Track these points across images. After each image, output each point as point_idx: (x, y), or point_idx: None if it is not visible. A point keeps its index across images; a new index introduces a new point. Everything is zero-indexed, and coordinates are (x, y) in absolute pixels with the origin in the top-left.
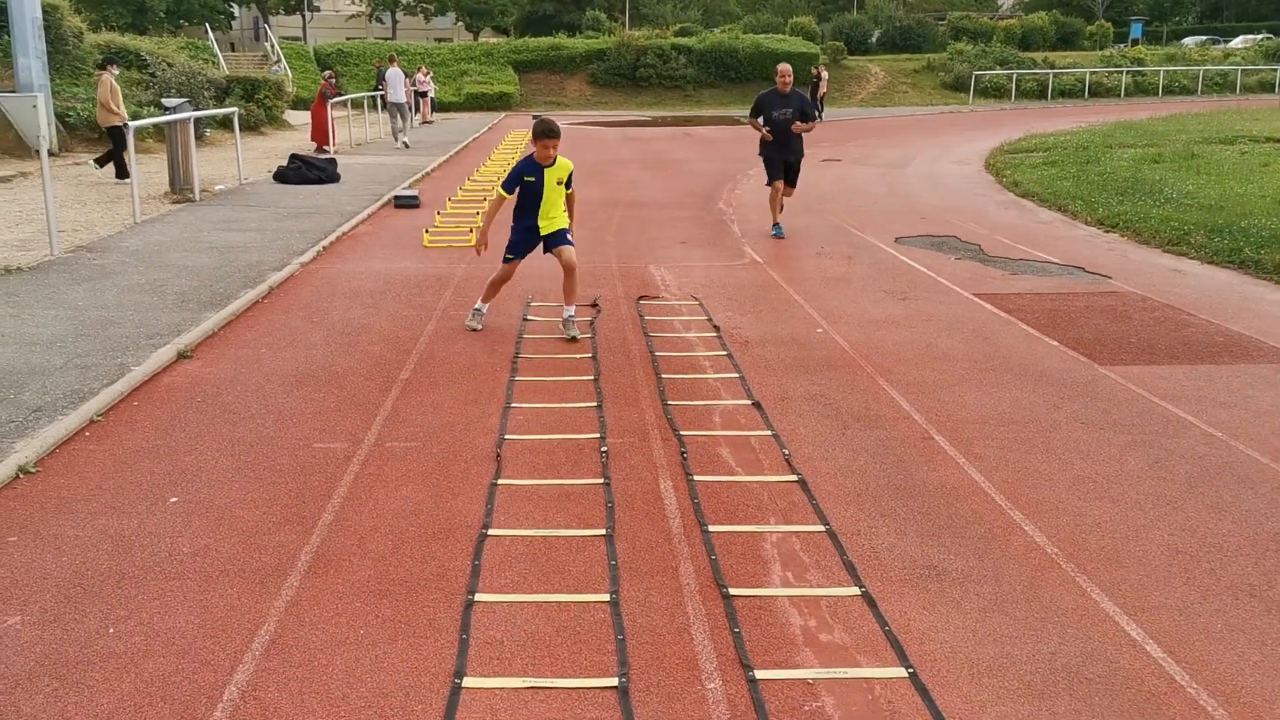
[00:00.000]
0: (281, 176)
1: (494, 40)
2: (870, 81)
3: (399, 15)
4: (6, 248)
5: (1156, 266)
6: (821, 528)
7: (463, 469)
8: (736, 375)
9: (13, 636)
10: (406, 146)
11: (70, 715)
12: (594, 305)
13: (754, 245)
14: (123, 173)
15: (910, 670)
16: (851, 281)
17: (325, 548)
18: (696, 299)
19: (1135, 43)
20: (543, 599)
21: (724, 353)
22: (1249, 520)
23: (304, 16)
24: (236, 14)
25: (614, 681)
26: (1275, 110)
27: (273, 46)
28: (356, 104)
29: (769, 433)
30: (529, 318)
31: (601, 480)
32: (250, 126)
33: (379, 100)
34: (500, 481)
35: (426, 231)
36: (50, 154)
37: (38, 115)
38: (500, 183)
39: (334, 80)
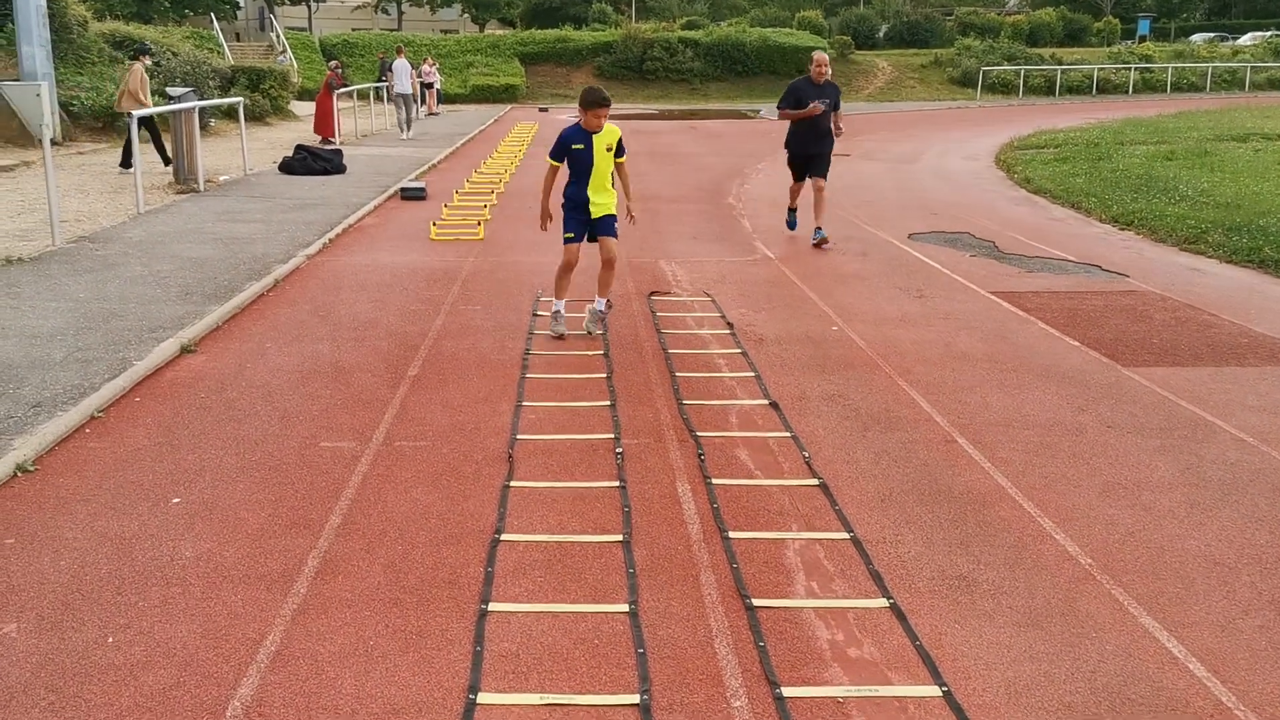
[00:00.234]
0: (287, 167)
1: (500, 32)
2: (878, 76)
3: (405, 6)
4: (8, 238)
5: (1174, 265)
6: (845, 535)
7: (474, 470)
8: (752, 374)
9: (8, 646)
10: (409, 138)
11: None
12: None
13: (765, 240)
14: (127, 162)
15: (944, 689)
16: (866, 278)
17: (333, 552)
18: (709, 295)
19: (1143, 39)
20: (559, 609)
21: (738, 350)
22: None
23: (309, 7)
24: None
25: (635, 699)
26: None
27: (278, 37)
28: (362, 95)
29: (788, 434)
30: (539, 313)
31: (617, 483)
32: (255, 117)
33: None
34: (513, 483)
35: (434, 224)
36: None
37: (41, 104)
38: (548, 153)
39: (340, 71)
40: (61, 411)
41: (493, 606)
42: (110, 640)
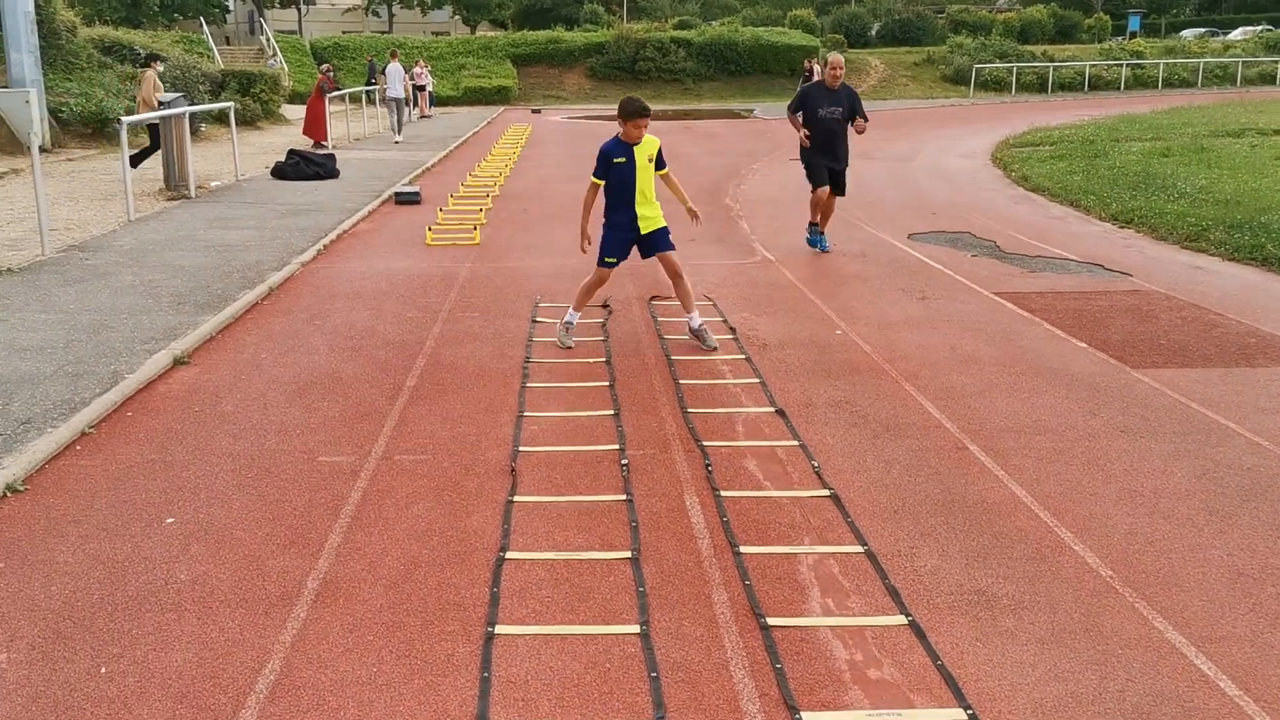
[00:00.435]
0: (279, 172)
1: (492, 34)
2: (870, 75)
3: (395, 9)
4: None
5: (1176, 264)
6: (860, 548)
7: (476, 484)
8: (757, 380)
9: None
10: (401, 141)
11: None
12: (605, 306)
13: (764, 242)
14: (136, 163)
15: (969, 711)
16: (867, 280)
17: (333, 573)
18: (709, 299)
19: (1133, 35)
20: (568, 631)
21: (742, 356)
22: None
23: (300, 10)
24: (231, 8)
25: None
26: (1279, 102)
27: (268, 40)
28: (354, 98)
29: (795, 443)
30: (538, 319)
31: (624, 496)
32: (246, 121)
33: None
34: (516, 498)
35: (429, 229)
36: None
37: (30, 111)
38: (592, 173)
39: (332, 74)
40: (52, 428)
41: (499, 629)
42: (103, 671)
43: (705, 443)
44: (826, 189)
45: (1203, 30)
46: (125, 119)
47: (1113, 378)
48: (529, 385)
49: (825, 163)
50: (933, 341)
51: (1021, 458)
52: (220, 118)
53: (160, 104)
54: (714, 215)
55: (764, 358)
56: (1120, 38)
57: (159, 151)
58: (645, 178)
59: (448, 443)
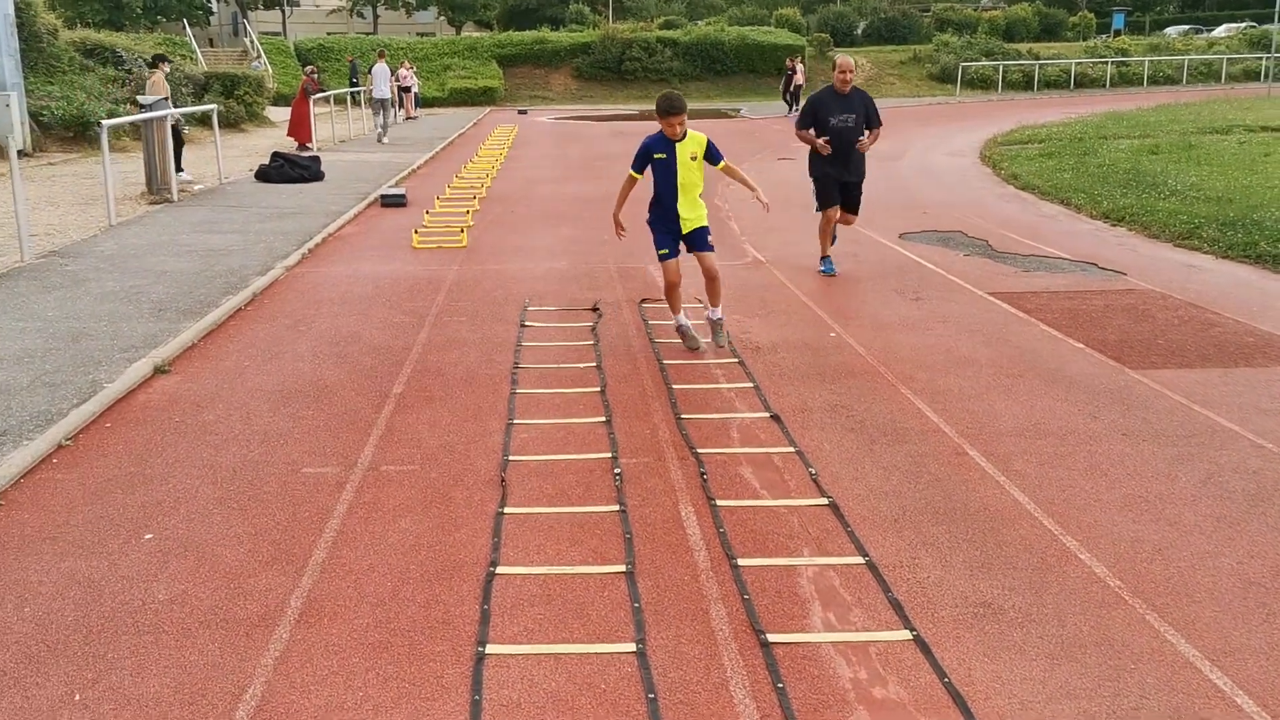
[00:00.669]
0: (263, 175)
1: (477, 34)
2: (857, 73)
3: (380, 10)
4: None
5: (1170, 262)
6: (860, 559)
7: (465, 495)
8: (751, 385)
9: None
10: (387, 143)
11: None
12: (594, 309)
13: (755, 243)
14: (178, 166)
15: None
16: (860, 280)
17: (317, 591)
18: (701, 301)
19: (1118, 33)
20: (562, 650)
21: (735, 360)
22: None
23: (284, 11)
24: (215, 10)
25: None
26: (1264, 99)
27: (252, 42)
28: (339, 100)
29: (792, 449)
30: (527, 323)
31: (617, 507)
32: (230, 124)
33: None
34: (507, 510)
35: (415, 232)
36: (23, 154)
37: (10, 114)
38: (630, 165)
39: (316, 76)
40: (27, 440)
41: (490, 649)
42: (77, 698)
43: (700, 450)
44: (836, 211)
45: (1186, 28)
46: (106, 122)
47: (1111, 379)
48: (518, 391)
49: (837, 175)
50: (928, 343)
51: (1022, 462)
52: (204, 120)
53: (141, 106)
54: None
55: (757, 361)
56: (1105, 35)
57: (168, 151)
58: (687, 175)
59: (436, 452)
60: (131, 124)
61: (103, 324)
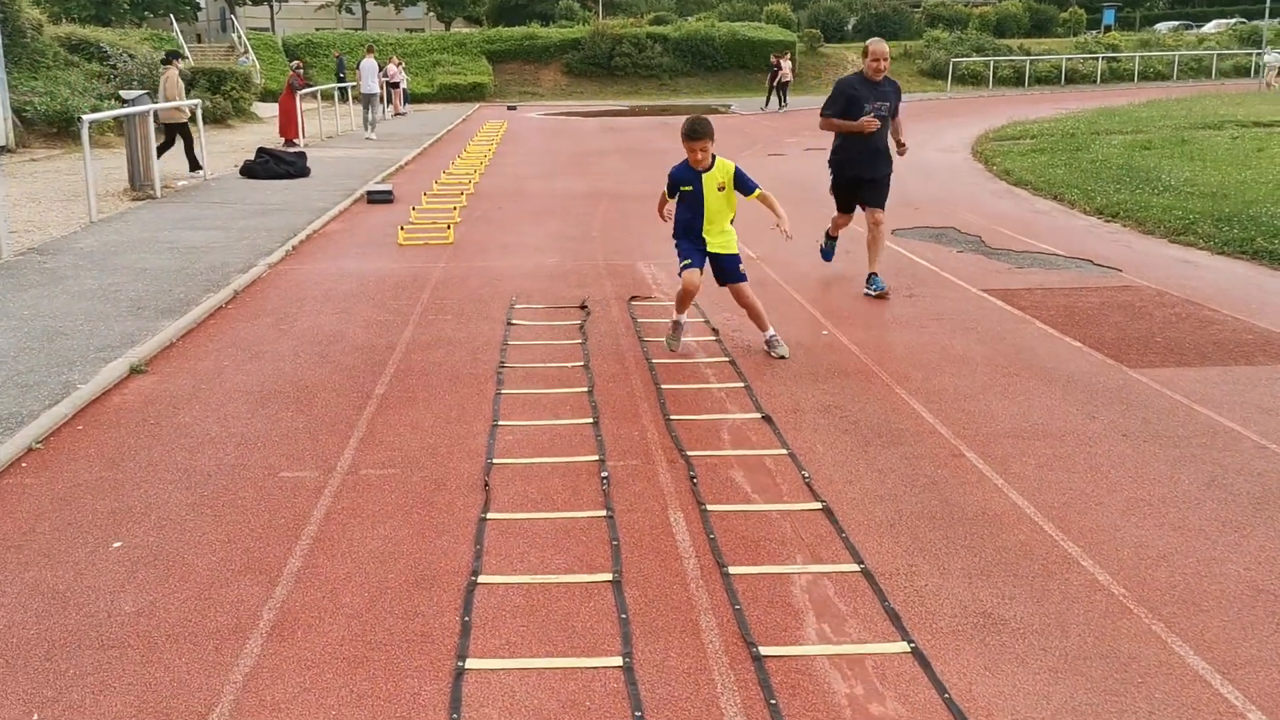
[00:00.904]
0: (248, 171)
1: (466, 30)
2: (848, 69)
3: (369, 5)
4: None
5: (1165, 258)
6: (855, 567)
7: (447, 500)
8: (742, 385)
9: None
10: (374, 139)
11: None
12: (583, 307)
13: (746, 240)
14: (195, 164)
15: None
16: (852, 278)
17: (291, 603)
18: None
19: (1108, 29)
20: (545, 664)
21: (726, 359)
22: None
23: (272, 7)
24: (203, 5)
25: None
26: (1255, 94)
27: (240, 38)
28: (326, 96)
29: (784, 451)
30: (513, 321)
31: (604, 513)
32: (217, 119)
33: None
34: (490, 516)
35: (401, 229)
36: (5, 150)
37: None
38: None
39: (302, 71)
40: None
41: (470, 664)
42: (35, 717)
43: (689, 452)
44: (849, 220)
45: (1176, 23)
46: (86, 117)
47: (1110, 378)
48: (503, 392)
49: (864, 174)
50: (922, 341)
51: (1021, 464)
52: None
53: (124, 102)
54: None
55: (749, 360)
56: (1095, 31)
57: (179, 145)
58: (715, 205)
59: (418, 455)
60: (115, 119)
61: (79, 323)
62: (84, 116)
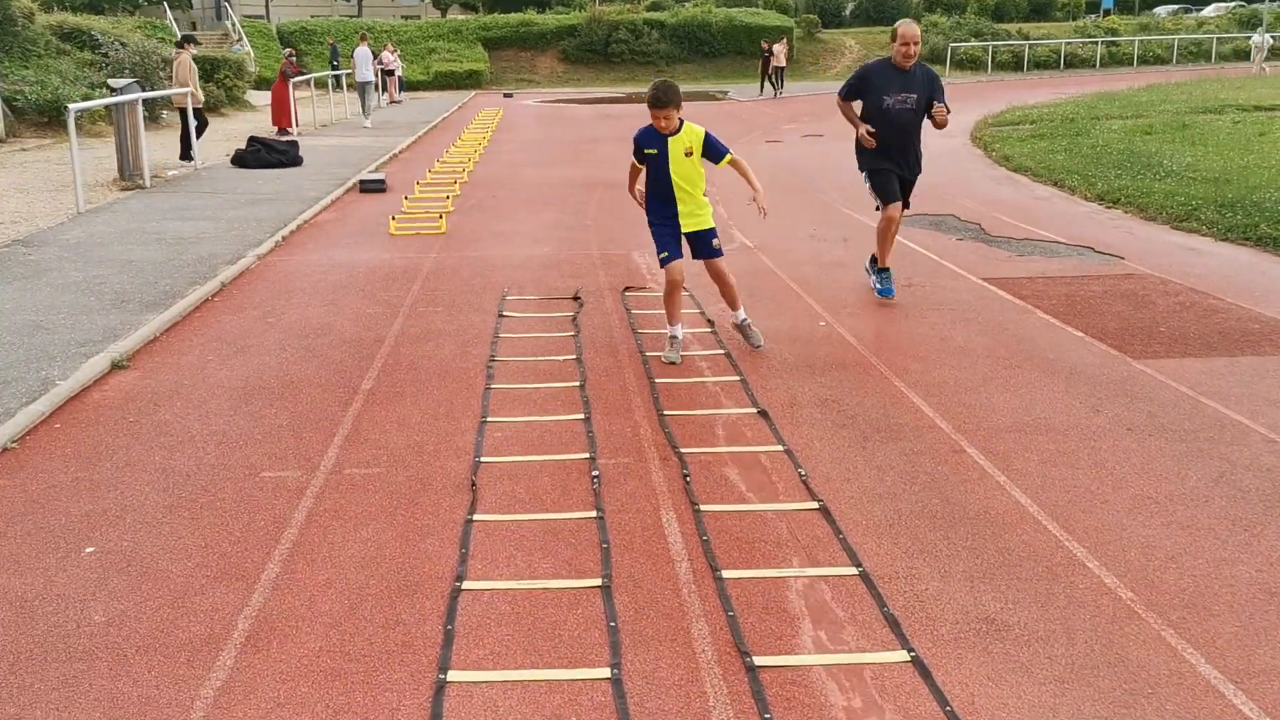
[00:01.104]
0: (240, 160)
1: (462, 17)
2: (845, 55)
3: None
4: None
5: (1168, 245)
6: (853, 570)
7: (432, 501)
8: (737, 378)
9: None
10: (370, 127)
11: None
12: (576, 298)
13: (742, 228)
14: (186, 154)
15: None
16: (850, 267)
17: (268, 611)
18: (686, 289)
19: (1107, 13)
20: (530, 676)
21: (721, 351)
22: None
23: None
24: None
25: None
26: (1255, 78)
27: (234, 25)
28: (320, 84)
29: (780, 448)
30: (505, 313)
31: (594, 514)
32: (209, 108)
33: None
34: (476, 517)
35: (393, 218)
36: None
37: None
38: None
39: (294, 59)
40: None
41: (452, 676)
42: None
43: (683, 449)
44: (899, 206)
45: (1176, 7)
46: (73, 106)
47: (1113, 369)
48: (493, 386)
49: (892, 169)
50: (921, 332)
51: (1023, 461)
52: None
53: (111, 90)
54: None
55: (744, 352)
56: (1094, 15)
57: (195, 134)
58: (682, 172)
59: (403, 453)
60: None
61: (61, 316)
62: (70, 106)
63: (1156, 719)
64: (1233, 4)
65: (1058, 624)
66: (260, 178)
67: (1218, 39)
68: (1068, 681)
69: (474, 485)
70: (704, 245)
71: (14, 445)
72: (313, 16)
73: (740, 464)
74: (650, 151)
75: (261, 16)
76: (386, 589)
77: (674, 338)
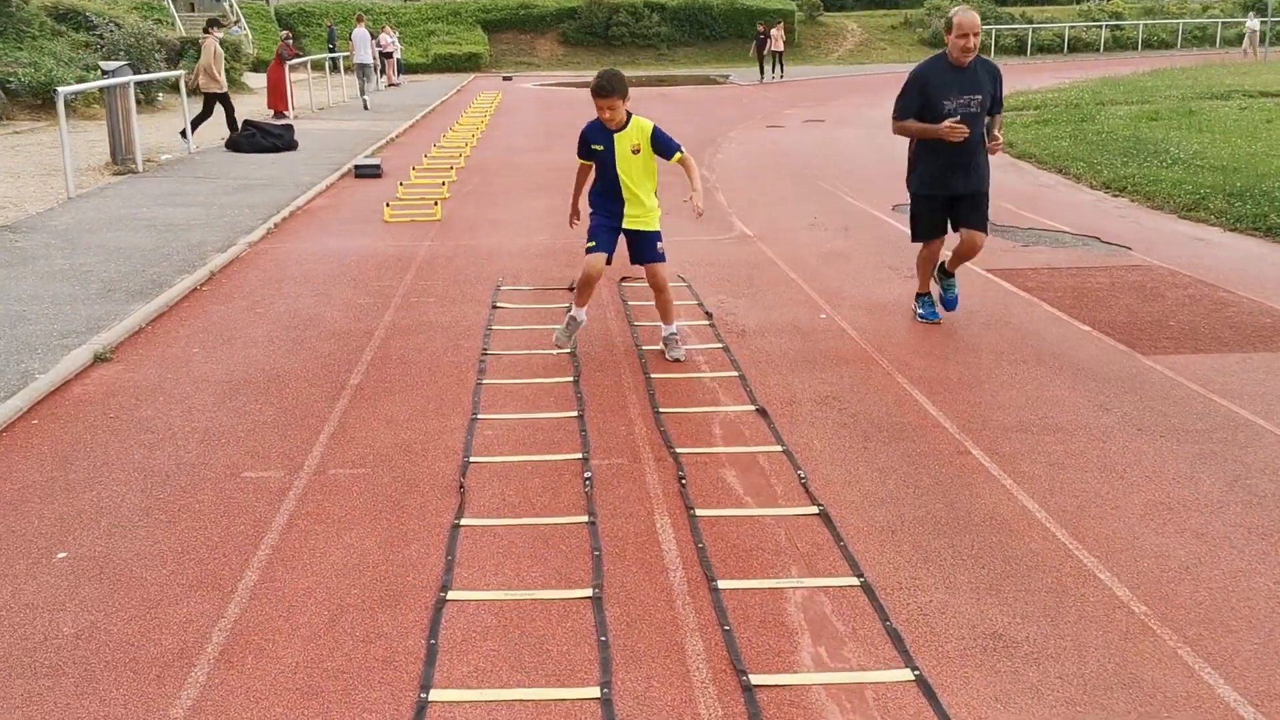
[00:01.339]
0: (234, 144)
1: None
2: (847, 38)
3: None
4: None
5: (1176, 235)
6: (855, 580)
7: (419, 504)
8: (735, 374)
9: None
10: (368, 110)
11: None
12: (571, 289)
13: (742, 216)
14: (185, 133)
15: None
16: (851, 257)
17: (244, 622)
18: (684, 280)
19: None
20: (516, 696)
21: (719, 345)
22: None
23: None
24: None
25: None
26: (1261, 63)
27: (232, 6)
28: (317, 66)
29: (779, 448)
30: (499, 304)
31: (586, 518)
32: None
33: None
34: (463, 522)
35: (388, 205)
36: None
37: None
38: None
39: (290, 40)
40: None
41: (434, 695)
42: None
43: (679, 450)
44: (941, 244)
45: None
46: (61, 89)
47: (1122, 366)
48: (485, 382)
49: (956, 187)
50: (925, 326)
51: (1030, 463)
52: (176, 86)
53: (105, 73)
54: (689, 187)
55: (743, 346)
56: None
57: (227, 118)
58: (628, 169)
59: (390, 453)
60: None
61: (45, 306)
62: (60, 89)
63: None
64: None
65: (1068, 640)
66: (255, 162)
67: (1222, 23)
68: (1080, 703)
69: (462, 487)
70: (646, 247)
71: None
72: None
73: (738, 465)
74: (597, 147)
75: None
76: (368, 599)
77: (574, 319)
